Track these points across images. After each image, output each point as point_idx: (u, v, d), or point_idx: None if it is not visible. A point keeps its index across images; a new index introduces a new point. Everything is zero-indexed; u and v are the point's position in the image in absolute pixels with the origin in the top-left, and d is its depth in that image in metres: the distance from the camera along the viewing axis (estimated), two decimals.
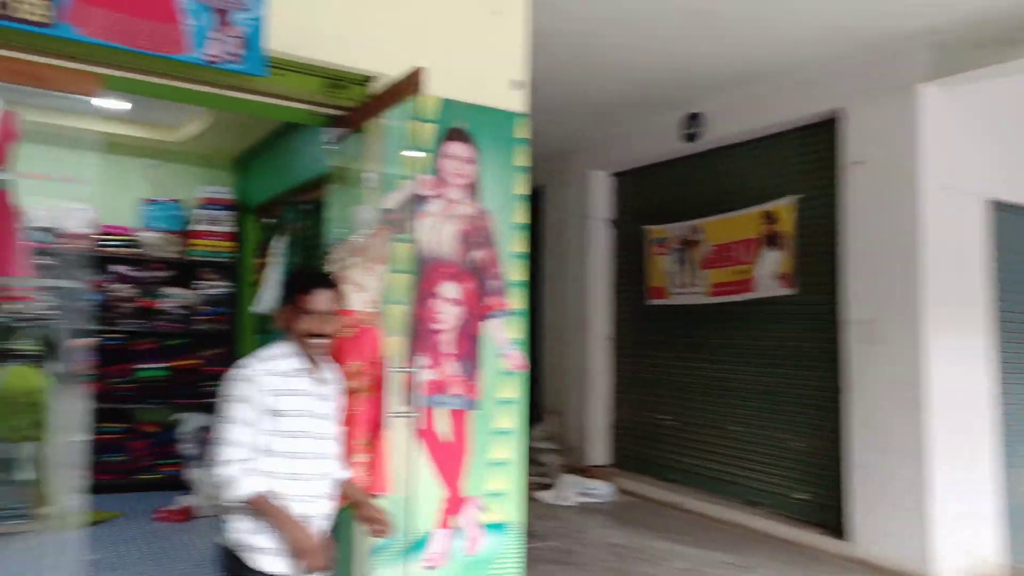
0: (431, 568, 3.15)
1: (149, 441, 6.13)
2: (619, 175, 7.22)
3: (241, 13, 2.71)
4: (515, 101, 3.43)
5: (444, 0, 3.37)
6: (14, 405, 4.76)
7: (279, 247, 5.30)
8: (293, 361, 2.31)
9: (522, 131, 3.38)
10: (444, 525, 3.20)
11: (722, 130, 6.01)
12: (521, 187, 3.38)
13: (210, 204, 6.20)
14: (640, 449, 6.82)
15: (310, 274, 2.49)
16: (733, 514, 5.69)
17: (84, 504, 4.63)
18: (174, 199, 6.20)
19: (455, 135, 3.23)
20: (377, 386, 2.87)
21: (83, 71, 2.66)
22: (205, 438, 5.89)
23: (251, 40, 2.72)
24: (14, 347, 5.40)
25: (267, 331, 5.63)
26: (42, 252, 5.08)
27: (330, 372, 2.41)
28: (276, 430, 2.23)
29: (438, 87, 2.76)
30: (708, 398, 6.25)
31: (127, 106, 5.50)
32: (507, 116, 3.35)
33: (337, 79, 3.12)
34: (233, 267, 6.33)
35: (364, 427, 2.86)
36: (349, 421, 2.87)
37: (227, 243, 6.23)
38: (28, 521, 4.74)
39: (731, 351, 6.06)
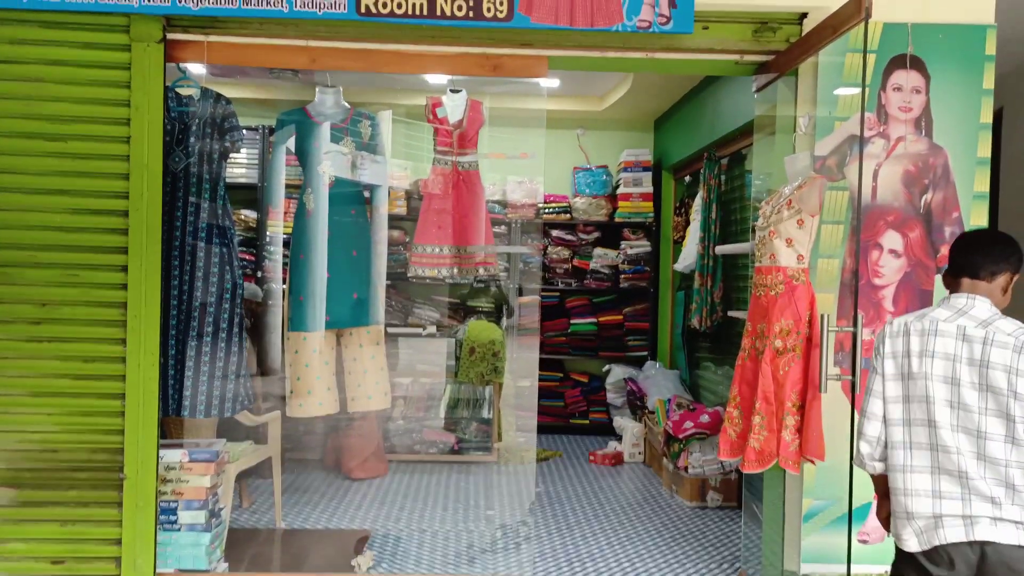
0: (866, 543, 2.94)
1: (580, 389, 6.77)
2: None
3: None
4: (981, 9, 2.94)
5: None
6: (477, 353, 5.65)
7: (698, 204, 5.35)
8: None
9: (991, 45, 2.88)
10: None
11: None
12: (986, 114, 2.90)
13: (632, 167, 6.52)
14: None
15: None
16: None
17: (532, 442, 5.34)
18: (601, 165, 6.65)
19: (900, 63, 2.88)
20: (809, 346, 2.74)
21: (534, 55, 3.00)
22: (627, 388, 6.32)
23: None
24: (475, 304, 6.41)
25: (687, 288, 5.77)
26: (497, 222, 5.89)
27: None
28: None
29: (881, 11, 2.49)
30: None
31: (556, 83, 6.03)
32: (970, 31, 2.87)
33: (766, 22, 3.01)
34: (653, 226, 6.60)
35: (795, 388, 2.76)
36: (778, 382, 2.80)
37: (647, 203, 6.50)
38: (487, 453, 5.65)
39: None
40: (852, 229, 2.88)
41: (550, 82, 5.96)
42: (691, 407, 5.24)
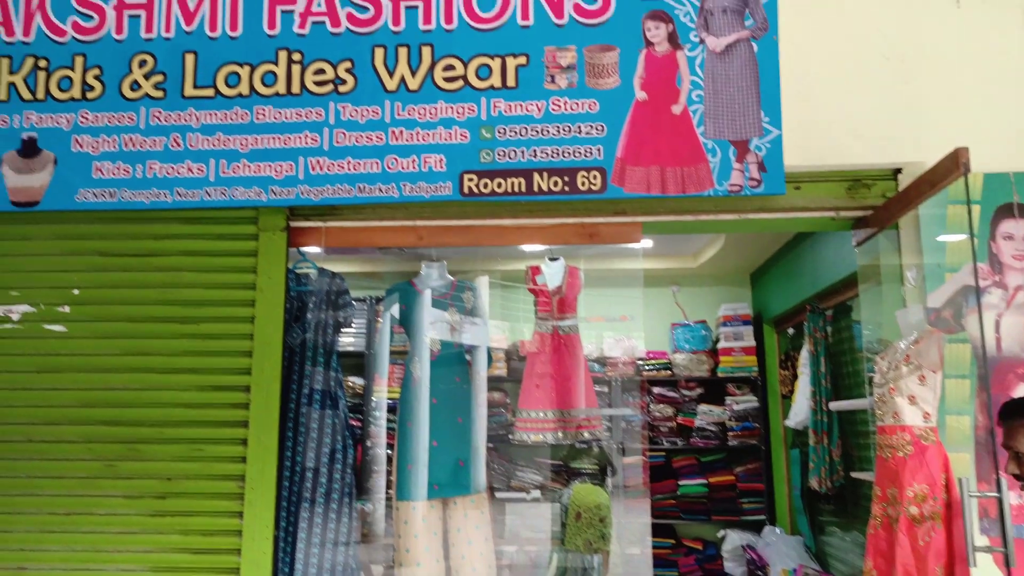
0: None
1: (695, 557, 6.35)
2: None
3: (758, 139, 2.88)
4: None
5: (976, 72, 3.07)
6: (583, 519, 5.45)
7: (804, 357, 5.19)
8: None
9: None
10: None
11: None
12: None
13: (731, 321, 6.45)
14: None
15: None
16: None
17: None
18: (699, 320, 6.61)
19: (1008, 211, 2.81)
20: (949, 513, 2.52)
21: (628, 222, 3.11)
22: (746, 556, 5.88)
23: (769, 162, 2.85)
24: (578, 466, 6.26)
25: (802, 445, 5.47)
26: (596, 381, 5.86)
27: None
28: None
29: (979, 162, 2.48)
30: None
31: (649, 243, 6.16)
32: None
33: (859, 179, 3.04)
34: (759, 381, 6.40)
35: (939, 562, 2.52)
36: (919, 554, 2.56)
37: (750, 357, 6.35)
38: None
39: None
40: (980, 384, 2.72)
41: (644, 243, 6.10)
42: None
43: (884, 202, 3.00)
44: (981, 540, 2.45)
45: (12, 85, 3.24)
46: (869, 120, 3.04)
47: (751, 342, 6.36)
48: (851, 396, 4.62)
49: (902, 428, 2.66)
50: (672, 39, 3.01)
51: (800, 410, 5.19)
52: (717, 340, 6.51)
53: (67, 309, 3.25)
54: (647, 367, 6.48)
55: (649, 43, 3.02)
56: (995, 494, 2.20)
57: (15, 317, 3.26)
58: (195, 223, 3.26)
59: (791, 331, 6.04)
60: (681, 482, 6.42)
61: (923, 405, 2.63)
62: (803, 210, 3.13)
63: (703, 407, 6.44)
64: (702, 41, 3.01)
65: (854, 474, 4.47)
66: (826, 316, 5.05)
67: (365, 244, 3.42)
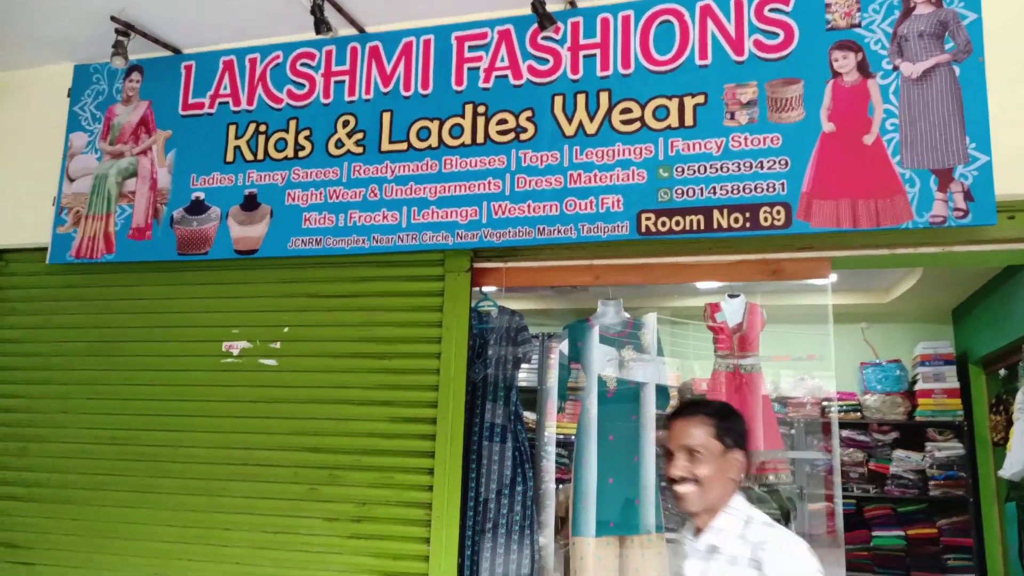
0: None
1: None
2: None
3: (963, 167, 2.69)
4: None
5: None
6: None
7: (1020, 400, 4.69)
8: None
9: None
10: None
11: None
12: None
13: (930, 360, 5.95)
14: None
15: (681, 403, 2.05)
16: None
17: None
18: (892, 359, 6.16)
19: None
20: None
21: (815, 258, 2.99)
22: None
23: (978, 191, 2.64)
24: (759, 510, 5.98)
25: (1019, 499, 4.92)
26: (780, 423, 5.61)
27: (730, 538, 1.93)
28: None
29: None
30: None
31: (835, 278, 5.83)
32: None
33: None
34: (964, 426, 5.83)
35: None
36: None
37: (954, 400, 5.82)
38: None
39: None
40: None
41: (830, 278, 5.80)
42: None
43: None
44: None
45: (238, 148, 3.68)
46: None
47: (954, 384, 5.83)
48: None
49: None
50: (862, 67, 2.88)
51: (1017, 460, 4.67)
52: (914, 381, 6.02)
53: (278, 345, 3.59)
54: (834, 408, 6.11)
55: (836, 73, 2.91)
56: None
57: (235, 352, 3.65)
58: (389, 266, 3.51)
59: (1003, 372, 5.47)
60: (875, 533, 5.95)
61: None
62: (1018, 240, 2.86)
63: (899, 453, 5.97)
64: (896, 68, 2.86)
65: None
66: None
67: (543, 284, 3.52)
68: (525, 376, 6.11)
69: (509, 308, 3.79)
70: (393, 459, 3.36)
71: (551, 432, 5.38)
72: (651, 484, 3.66)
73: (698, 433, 2.08)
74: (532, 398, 6.05)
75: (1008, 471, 4.81)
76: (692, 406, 2.16)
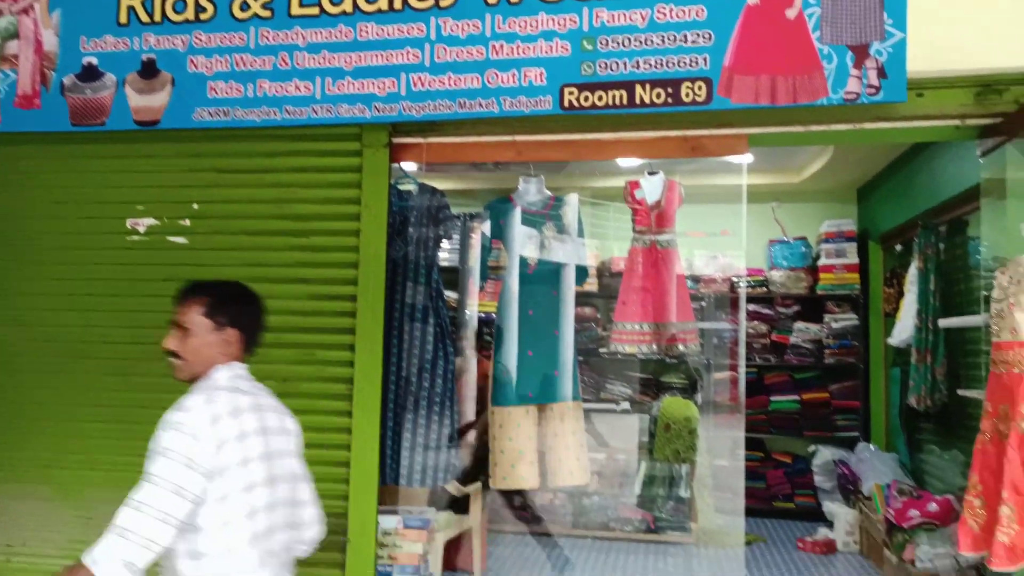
0: None
1: (784, 470, 6.40)
2: None
3: (879, 43, 2.72)
4: None
5: None
6: (673, 430, 5.54)
7: (912, 274, 5.01)
8: None
9: None
10: None
11: None
12: None
13: (834, 237, 6.25)
14: None
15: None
16: None
17: (735, 525, 5.08)
18: (799, 236, 6.43)
19: None
20: None
21: (734, 135, 3.02)
22: (837, 471, 5.88)
23: (891, 68, 2.70)
24: (668, 380, 6.33)
25: (903, 364, 5.34)
26: (691, 298, 5.83)
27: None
28: None
29: None
30: None
31: (751, 158, 5.95)
32: None
33: (989, 84, 2.83)
34: (860, 299, 6.22)
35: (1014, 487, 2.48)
36: (994, 474, 2.52)
37: (852, 274, 6.17)
38: (685, 533, 5.44)
39: None
40: None
41: (745, 157, 5.91)
42: (915, 494, 4.78)
43: (1017, 108, 2.80)
44: None
45: (132, 9, 3.37)
46: (1004, 20, 2.80)
47: (854, 259, 6.17)
48: (961, 314, 4.46)
49: (1020, 344, 2.58)
50: None
51: (904, 328, 5.05)
52: (818, 257, 6.34)
53: (188, 223, 3.46)
54: (743, 284, 6.40)
55: None
56: None
57: (141, 230, 3.49)
58: (303, 140, 3.37)
59: (899, 248, 5.81)
60: (773, 398, 6.41)
61: None
62: (925, 118, 2.96)
63: (799, 325, 6.35)
64: None
65: (961, 392, 4.35)
66: (939, 232, 4.83)
67: (464, 159, 3.46)
68: (447, 256, 6.13)
69: (430, 186, 3.73)
70: (314, 336, 3.35)
71: (473, 310, 5.47)
72: (570, 357, 3.79)
73: (189, 311, 2.17)
74: (454, 278, 6.11)
75: (896, 339, 5.20)
76: (192, 288, 2.24)
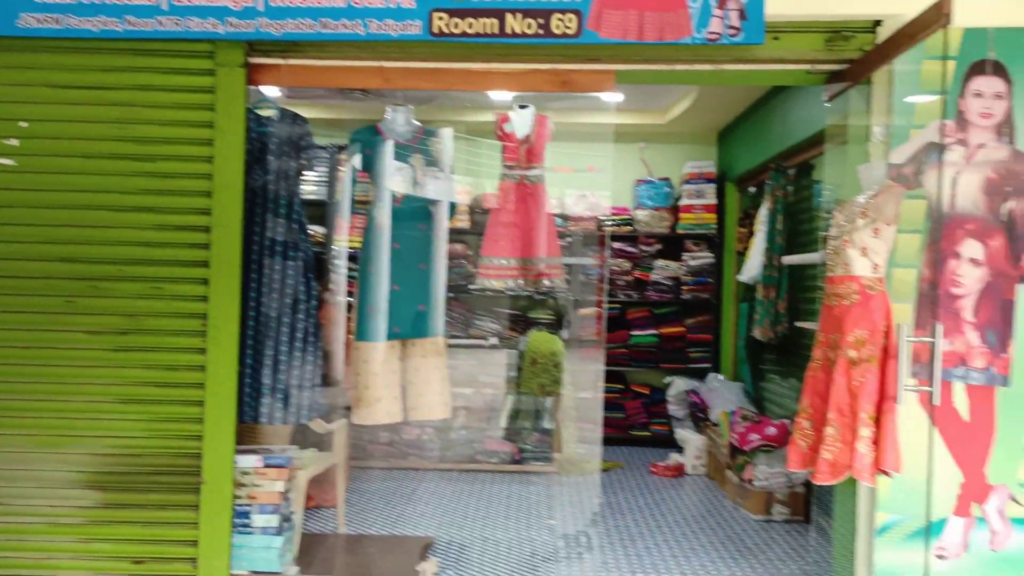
0: (943, 558, 2.86)
1: (641, 401, 6.74)
2: None
3: None
4: None
5: None
6: (539, 365, 5.68)
7: (763, 214, 5.30)
8: None
9: None
10: (962, 513, 2.87)
11: None
12: None
13: (695, 179, 6.50)
14: None
15: None
16: None
17: (594, 453, 5.34)
18: (663, 177, 6.65)
19: (981, 68, 2.82)
20: (885, 356, 2.70)
21: (602, 70, 3.04)
22: (689, 400, 6.27)
23: (751, 10, 2.77)
24: (536, 316, 6.45)
25: (750, 299, 5.70)
26: (559, 235, 5.92)
27: None
28: None
29: (960, 16, 2.45)
30: None
31: (621, 97, 6.05)
32: None
33: (839, 31, 2.98)
34: (716, 238, 6.55)
35: (870, 400, 2.72)
36: (852, 392, 2.76)
37: (710, 215, 6.47)
38: (548, 463, 5.67)
39: None
40: (930, 238, 2.83)
41: (615, 96, 5.99)
42: (756, 419, 5.17)
43: (861, 55, 2.97)
44: (910, 382, 2.65)
45: None
46: None
47: (713, 200, 6.46)
48: (804, 252, 4.79)
49: (851, 278, 2.79)
50: None
51: (753, 265, 5.37)
52: (679, 197, 6.58)
53: (16, 142, 3.12)
54: (609, 223, 6.56)
55: None
56: (929, 339, 2.35)
57: None
58: (149, 56, 3.10)
59: (752, 190, 6.13)
60: (634, 333, 6.69)
61: (874, 257, 2.74)
62: (780, 62, 3.08)
63: (660, 262, 6.62)
64: None
65: (798, 323, 4.71)
66: (788, 175, 5.12)
67: (328, 84, 3.29)
68: (314, 189, 5.91)
69: (292, 111, 3.54)
70: (162, 269, 3.16)
71: (342, 246, 5.32)
72: (437, 292, 3.77)
73: None
74: (322, 212, 5.90)
75: (746, 275, 5.53)
76: None
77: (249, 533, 3.31)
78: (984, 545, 2.86)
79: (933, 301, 2.69)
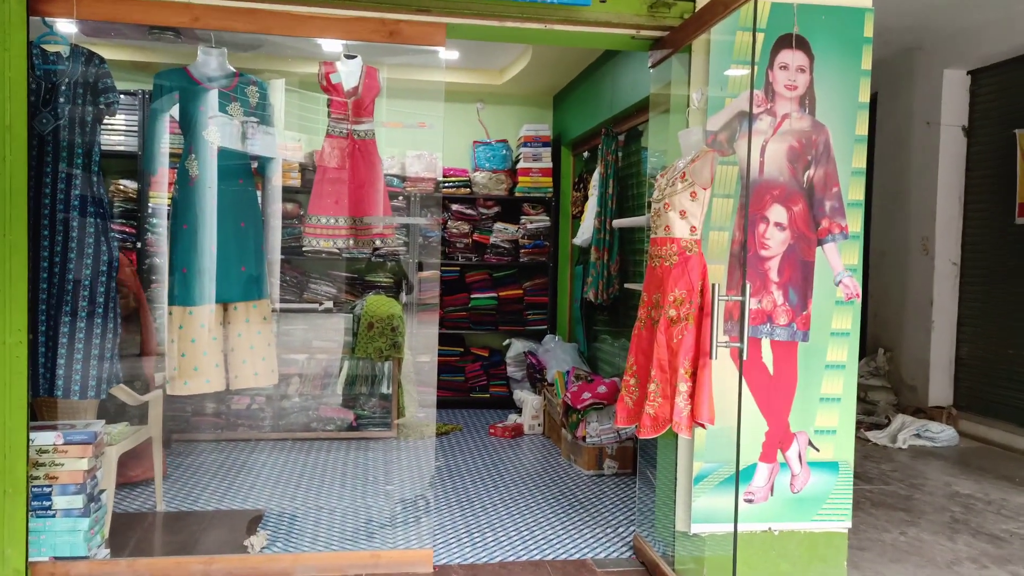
0: (751, 502, 3.09)
1: (481, 363, 6.79)
2: (977, 73, 6.17)
3: None
4: None
5: None
6: (376, 329, 5.56)
7: (596, 179, 5.42)
8: None
9: (869, 28, 3.02)
10: (768, 459, 3.10)
11: None
12: (864, 93, 3.05)
13: (532, 142, 6.54)
14: (991, 389, 5.95)
15: None
16: None
17: (432, 417, 5.31)
18: (501, 139, 6.64)
19: (787, 42, 2.98)
20: (701, 315, 2.83)
21: (431, 22, 2.92)
22: (527, 361, 6.40)
23: None
24: (373, 279, 6.30)
25: (585, 262, 5.86)
26: (395, 196, 5.78)
27: None
28: None
29: None
30: None
31: (456, 55, 5.95)
32: (850, 13, 2.99)
33: None
34: (552, 202, 6.65)
35: (688, 356, 2.85)
36: (672, 350, 2.88)
37: (547, 178, 6.55)
38: (387, 429, 5.59)
39: None
40: (741, 203, 2.98)
41: (449, 54, 5.88)
42: (589, 378, 5.35)
43: (681, 23, 3.06)
44: (723, 339, 2.80)
45: None
46: None
47: (549, 164, 6.53)
48: (633, 216, 4.95)
49: (671, 240, 2.89)
50: None
51: (586, 229, 5.50)
52: (517, 160, 6.61)
53: None
54: (447, 184, 6.49)
55: None
56: (739, 298, 2.48)
57: None
58: None
59: (586, 154, 6.26)
60: (473, 295, 6.70)
61: (691, 219, 2.85)
62: (606, 25, 3.11)
63: (499, 225, 6.64)
64: None
65: (627, 285, 4.89)
66: (618, 140, 5.26)
67: (127, 20, 2.96)
68: (123, 140, 5.40)
69: (86, 49, 3.16)
70: None
71: (159, 202, 4.90)
72: (263, 253, 3.56)
73: None
74: (133, 166, 5.40)
75: (579, 239, 5.67)
76: None
77: (51, 516, 3.03)
78: (786, 488, 3.11)
79: (743, 262, 2.84)
